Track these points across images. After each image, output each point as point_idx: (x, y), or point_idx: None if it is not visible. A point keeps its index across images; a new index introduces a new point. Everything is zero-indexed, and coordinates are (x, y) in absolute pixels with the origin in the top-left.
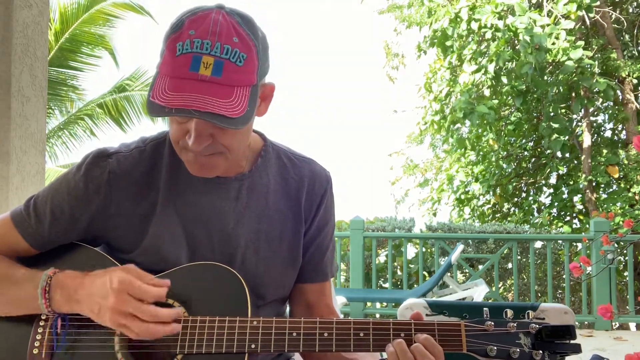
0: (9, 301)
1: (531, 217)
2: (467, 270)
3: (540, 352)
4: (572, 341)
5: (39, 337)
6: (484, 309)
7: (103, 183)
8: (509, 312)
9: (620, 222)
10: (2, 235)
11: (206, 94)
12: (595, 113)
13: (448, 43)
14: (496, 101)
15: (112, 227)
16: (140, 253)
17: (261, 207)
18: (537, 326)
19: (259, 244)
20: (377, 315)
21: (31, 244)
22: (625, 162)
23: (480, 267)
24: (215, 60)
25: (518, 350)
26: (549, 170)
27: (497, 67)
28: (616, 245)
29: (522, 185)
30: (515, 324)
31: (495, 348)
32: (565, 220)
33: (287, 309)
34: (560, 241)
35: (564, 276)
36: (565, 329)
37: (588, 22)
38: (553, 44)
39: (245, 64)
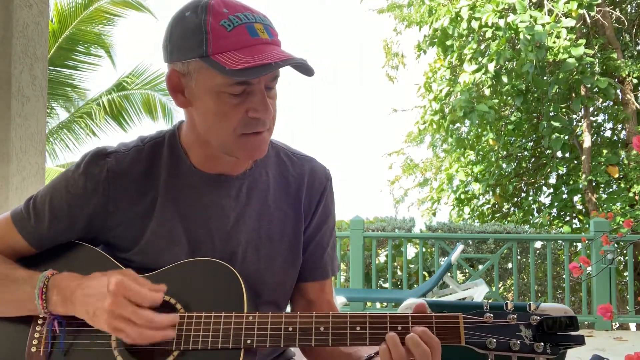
0: (7, 301)
1: (531, 217)
2: (467, 270)
3: (542, 344)
4: (574, 333)
5: (37, 335)
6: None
7: (101, 181)
8: (510, 305)
9: (620, 222)
10: (2, 235)
11: (278, 51)
12: (595, 113)
13: (448, 42)
14: (496, 101)
15: (110, 226)
16: (138, 252)
17: (262, 205)
18: (539, 318)
19: (259, 242)
20: None
21: (30, 242)
22: (625, 162)
23: (480, 267)
24: (264, 26)
25: (518, 342)
26: (549, 170)
27: (498, 67)
28: (616, 245)
29: (522, 185)
30: (515, 316)
31: (494, 340)
32: (565, 220)
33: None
34: (560, 241)
35: (564, 276)
36: (568, 320)
37: (589, 21)
38: (554, 42)
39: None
